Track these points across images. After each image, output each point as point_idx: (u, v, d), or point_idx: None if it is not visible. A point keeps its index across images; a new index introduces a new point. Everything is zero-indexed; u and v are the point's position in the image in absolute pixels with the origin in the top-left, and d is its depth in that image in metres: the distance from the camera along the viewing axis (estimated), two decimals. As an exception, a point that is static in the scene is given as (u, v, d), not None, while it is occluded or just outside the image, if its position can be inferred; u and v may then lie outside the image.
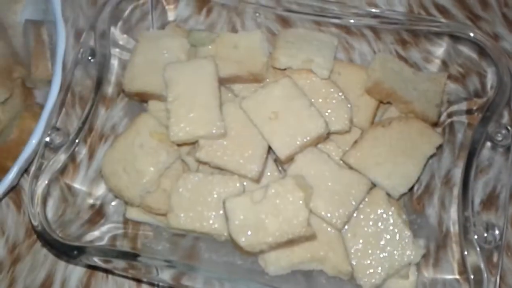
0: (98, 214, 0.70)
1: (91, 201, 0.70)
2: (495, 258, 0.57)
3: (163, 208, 0.66)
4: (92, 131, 0.71)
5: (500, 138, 0.62)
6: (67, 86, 0.67)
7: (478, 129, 0.63)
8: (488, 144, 0.63)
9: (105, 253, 0.61)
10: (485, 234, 0.58)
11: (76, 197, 0.69)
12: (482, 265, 0.57)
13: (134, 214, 0.69)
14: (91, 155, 0.72)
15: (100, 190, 0.71)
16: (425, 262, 0.65)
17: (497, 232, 0.58)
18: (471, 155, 0.62)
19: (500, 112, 0.63)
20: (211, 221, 0.64)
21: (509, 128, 0.62)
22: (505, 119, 0.63)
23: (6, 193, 0.73)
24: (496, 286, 0.56)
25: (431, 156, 0.66)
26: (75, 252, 0.61)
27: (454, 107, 0.71)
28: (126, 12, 0.73)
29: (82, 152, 0.70)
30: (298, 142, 0.64)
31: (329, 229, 0.63)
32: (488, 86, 0.67)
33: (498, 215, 0.60)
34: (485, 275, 0.56)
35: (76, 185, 0.69)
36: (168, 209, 0.65)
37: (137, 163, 0.66)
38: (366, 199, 0.64)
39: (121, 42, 0.74)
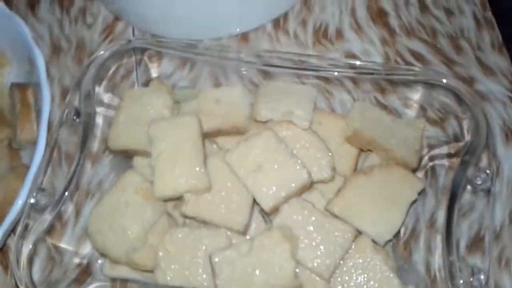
0: (85, 273, 0.70)
1: (77, 260, 0.70)
2: (482, 303, 0.57)
3: (150, 265, 0.66)
4: (79, 189, 0.71)
5: (479, 182, 0.63)
6: (52, 146, 0.67)
7: (458, 173, 0.64)
8: (469, 187, 0.64)
9: (91, 314, 0.61)
10: (471, 279, 0.58)
11: (63, 256, 0.69)
12: None
13: (113, 271, 0.69)
14: (77, 213, 0.72)
15: (87, 248, 0.71)
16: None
17: (482, 276, 0.58)
18: (452, 199, 0.63)
19: (478, 156, 0.64)
20: (198, 277, 0.64)
21: (487, 171, 0.63)
22: (484, 162, 0.64)
23: (-7, 255, 0.73)
24: None
25: (414, 202, 0.66)
26: (62, 314, 0.60)
27: (435, 151, 0.73)
28: (111, 71, 0.75)
29: (68, 211, 0.71)
30: (282, 194, 0.64)
31: (316, 279, 0.63)
32: (465, 130, 0.68)
33: (483, 259, 0.60)
34: (473, 320, 0.56)
35: (63, 245, 0.69)
36: (155, 266, 0.65)
37: (123, 221, 0.66)
38: (352, 247, 0.64)
39: (106, 100, 0.75)
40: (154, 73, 0.79)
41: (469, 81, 0.81)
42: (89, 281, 0.69)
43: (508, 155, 0.76)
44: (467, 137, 0.67)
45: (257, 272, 0.60)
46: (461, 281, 0.58)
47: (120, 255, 0.66)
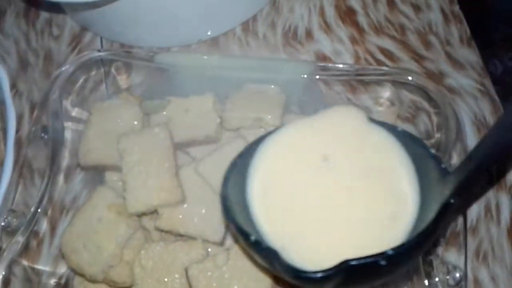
0: (63, 292, 0.69)
1: (55, 279, 0.69)
2: (459, 299, 0.58)
3: (127, 281, 0.65)
4: (52, 206, 0.70)
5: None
6: (21, 165, 0.67)
7: None
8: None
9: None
10: (447, 277, 0.59)
11: (41, 277, 0.68)
12: None
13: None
14: (52, 230, 0.71)
15: (64, 267, 0.70)
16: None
17: (458, 274, 0.58)
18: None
19: (449, 152, 0.64)
20: None
21: None
22: (454, 159, 0.64)
23: (-33, 280, 0.71)
24: None
25: None
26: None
27: None
28: (78, 84, 0.74)
29: (43, 229, 0.70)
30: None
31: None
32: (435, 126, 0.69)
33: (459, 255, 0.60)
34: (451, 318, 0.57)
35: (39, 266, 0.68)
36: (132, 282, 0.64)
37: (97, 238, 0.65)
38: None
39: (74, 114, 0.74)
40: (123, 84, 0.77)
41: (439, 76, 0.81)
42: (67, 300, 0.68)
43: (480, 148, 0.77)
44: (437, 134, 0.68)
45: (234, 283, 0.60)
46: (437, 279, 0.58)
47: (96, 273, 0.64)
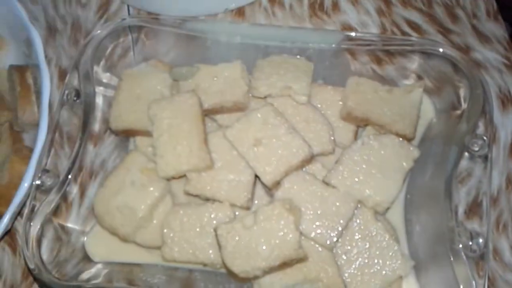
0: (93, 251, 0.71)
1: (85, 239, 0.72)
2: (481, 266, 0.59)
3: (156, 242, 0.68)
4: (82, 169, 0.72)
5: (477, 148, 0.64)
6: (54, 127, 0.68)
7: (455, 141, 0.65)
8: (466, 154, 0.65)
9: (103, 290, 0.62)
10: (470, 243, 0.60)
11: (70, 236, 0.70)
12: (470, 273, 0.58)
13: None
14: (82, 193, 0.73)
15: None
16: (417, 274, 0.67)
17: (481, 240, 0.60)
18: (451, 166, 0.64)
19: (475, 123, 0.65)
20: (205, 251, 0.65)
21: (484, 138, 0.64)
22: (481, 129, 0.65)
23: (1, 238, 0.74)
24: None
25: (411, 169, 0.68)
26: (72, 292, 0.61)
27: (432, 120, 0.74)
28: (108, 51, 0.75)
29: (73, 191, 0.72)
30: (282, 168, 0.65)
31: (320, 249, 0.65)
32: (462, 98, 0.69)
33: (482, 223, 0.62)
34: (474, 283, 0.58)
35: (69, 225, 0.71)
36: (162, 243, 0.66)
37: (130, 200, 0.67)
38: (354, 217, 0.66)
39: (104, 80, 0.75)
40: (151, 51, 0.78)
41: (465, 49, 0.81)
42: (97, 259, 0.71)
43: (504, 121, 0.77)
44: (464, 105, 0.68)
45: (262, 243, 0.62)
46: (461, 245, 0.60)
47: (128, 233, 0.67)
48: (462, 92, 0.69)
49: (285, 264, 0.62)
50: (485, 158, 0.64)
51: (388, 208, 0.67)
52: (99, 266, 0.69)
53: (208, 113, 0.72)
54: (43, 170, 0.66)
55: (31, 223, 0.64)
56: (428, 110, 0.74)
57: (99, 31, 0.72)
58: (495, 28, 0.83)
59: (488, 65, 0.80)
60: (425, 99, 0.73)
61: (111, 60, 0.76)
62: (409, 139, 0.69)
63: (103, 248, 0.71)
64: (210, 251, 0.65)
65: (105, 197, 0.68)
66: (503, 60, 0.81)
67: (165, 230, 0.66)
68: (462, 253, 0.59)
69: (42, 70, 0.71)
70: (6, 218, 0.67)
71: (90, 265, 0.70)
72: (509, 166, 0.75)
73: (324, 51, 0.73)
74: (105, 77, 0.76)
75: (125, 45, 0.77)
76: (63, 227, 0.70)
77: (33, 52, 0.73)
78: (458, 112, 0.69)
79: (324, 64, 0.75)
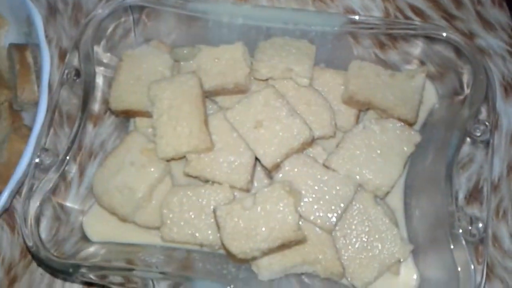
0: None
1: (83, 218, 0.71)
2: (480, 250, 0.59)
3: (155, 223, 0.67)
4: (81, 149, 0.72)
5: (479, 134, 0.64)
6: (53, 107, 0.68)
7: (457, 126, 0.65)
8: (468, 140, 0.64)
9: (100, 269, 0.62)
10: (470, 228, 0.60)
11: (69, 215, 0.70)
12: (469, 258, 0.58)
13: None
14: (81, 172, 0.72)
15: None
16: (416, 258, 0.67)
17: (480, 225, 0.60)
18: (452, 151, 0.63)
19: (478, 108, 0.64)
20: (203, 232, 0.65)
21: (487, 123, 0.63)
22: (483, 115, 0.64)
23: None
24: (483, 276, 0.58)
25: (412, 154, 0.67)
26: (71, 270, 0.61)
27: (434, 105, 0.73)
28: (109, 31, 0.74)
29: (72, 171, 0.71)
30: (282, 150, 0.65)
31: (319, 231, 0.65)
32: (465, 83, 0.69)
33: (482, 208, 0.61)
34: (472, 267, 0.58)
35: (68, 204, 0.70)
36: (161, 224, 0.66)
37: (129, 181, 0.67)
38: (354, 201, 0.66)
39: (105, 60, 0.75)
40: (152, 32, 0.77)
41: (469, 36, 0.80)
42: (95, 239, 0.71)
43: (507, 109, 0.77)
44: (467, 91, 0.68)
45: (261, 225, 0.61)
46: (460, 230, 0.59)
47: (127, 213, 0.67)
48: (465, 78, 0.69)
49: (284, 246, 0.62)
50: (487, 143, 0.63)
51: (388, 192, 0.66)
52: (97, 245, 0.69)
53: (209, 95, 0.71)
54: (42, 149, 0.66)
55: (30, 201, 0.64)
56: (431, 95, 0.73)
57: (100, 11, 0.72)
58: (499, 15, 0.82)
59: (492, 52, 0.80)
60: (427, 84, 0.73)
61: (112, 40, 0.75)
62: (410, 124, 0.69)
63: (101, 228, 0.71)
64: (209, 232, 0.65)
65: (104, 177, 0.68)
66: (507, 47, 0.80)
67: (164, 211, 0.66)
68: (462, 238, 0.59)
69: (42, 49, 0.71)
70: (4, 196, 0.67)
71: (88, 245, 0.69)
72: (510, 153, 0.75)
73: (326, 34, 0.72)
74: (106, 57, 0.75)
75: (126, 26, 0.77)
76: (62, 206, 0.69)
77: (33, 31, 0.73)
78: (461, 98, 0.69)
79: (327, 47, 0.74)
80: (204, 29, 0.74)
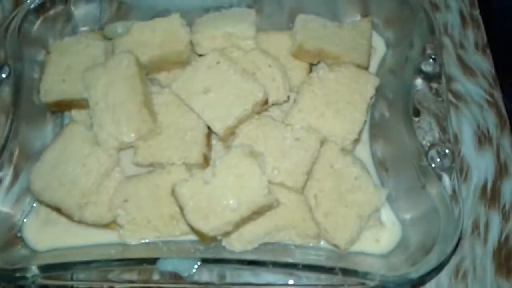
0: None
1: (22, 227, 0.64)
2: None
3: (105, 219, 0.61)
4: (17, 149, 0.65)
5: (430, 68, 0.62)
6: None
7: (408, 65, 0.63)
8: (420, 79, 0.62)
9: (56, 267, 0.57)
10: (438, 159, 0.58)
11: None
12: (442, 189, 0.57)
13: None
14: (15, 174, 0.65)
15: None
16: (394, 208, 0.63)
17: (447, 151, 0.58)
18: (407, 88, 0.62)
19: (423, 45, 0.63)
20: (166, 223, 0.59)
21: (433, 56, 0.62)
22: (429, 51, 0.63)
23: None
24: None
25: (372, 97, 0.65)
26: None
27: (384, 54, 0.71)
28: (36, 24, 0.70)
29: (8, 172, 0.64)
30: (235, 113, 0.60)
31: (288, 193, 0.60)
32: (409, 29, 0.66)
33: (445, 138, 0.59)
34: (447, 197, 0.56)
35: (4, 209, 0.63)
36: (117, 226, 0.60)
37: (71, 173, 0.61)
38: (320, 156, 0.62)
39: (34, 55, 0.70)
40: (81, 20, 0.73)
41: (448, 78, 0.75)
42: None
43: (478, 161, 0.71)
44: (412, 35, 0.65)
45: (228, 196, 0.56)
46: (427, 162, 0.58)
47: (72, 207, 0.60)
48: (409, 24, 0.66)
49: (256, 213, 0.57)
50: (439, 76, 0.62)
51: (356, 140, 0.63)
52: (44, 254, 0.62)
53: (149, 72, 0.66)
54: None
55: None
56: (379, 45, 0.72)
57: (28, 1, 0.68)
58: (482, 62, 0.77)
59: (469, 99, 0.74)
60: (375, 35, 0.71)
61: (41, 33, 0.70)
62: (364, 69, 0.66)
63: (45, 234, 0.63)
64: (170, 221, 0.59)
65: (43, 172, 0.62)
66: (486, 96, 0.75)
67: (117, 207, 0.60)
68: (430, 169, 0.57)
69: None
70: None
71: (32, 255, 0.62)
72: (477, 210, 0.68)
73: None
74: (35, 52, 0.69)
75: (54, 19, 0.71)
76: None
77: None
78: (407, 43, 0.66)
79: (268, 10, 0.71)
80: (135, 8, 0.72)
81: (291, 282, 0.56)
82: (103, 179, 0.62)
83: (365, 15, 0.71)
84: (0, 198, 0.63)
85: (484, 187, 0.69)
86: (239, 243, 0.58)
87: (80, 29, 0.72)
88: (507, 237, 0.66)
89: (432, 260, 0.54)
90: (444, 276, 0.64)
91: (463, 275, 0.65)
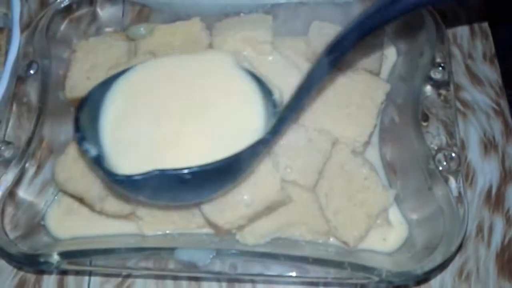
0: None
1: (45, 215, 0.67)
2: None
3: (125, 211, 0.64)
4: (42, 142, 0.68)
5: (438, 76, 0.65)
6: (11, 100, 0.66)
7: (418, 73, 0.66)
8: (429, 86, 0.65)
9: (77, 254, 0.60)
10: (445, 163, 0.60)
11: (31, 211, 0.66)
12: (448, 191, 0.59)
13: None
14: (39, 166, 0.68)
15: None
16: (402, 208, 0.66)
17: (453, 155, 0.61)
18: (416, 95, 0.64)
19: (432, 53, 0.66)
20: (182, 217, 0.62)
21: (443, 64, 0.65)
22: (438, 59, 0.66)
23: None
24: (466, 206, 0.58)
25: (383, 103, 0.68)
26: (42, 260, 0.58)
27: (395, 62, 0.74)
28: (64, 23, 0.73)
29: (33, 164, 0.67)
30: None
31: (300, 191, 0.63)
32: (420, 38, 0.69)
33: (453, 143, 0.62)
34: (452, 198, 0.59)
35: (31, 198, 0.66)
36: (136, 218, 0.63)
37: None
38: (331, 156, 0.64)
39: (61, 54, 0.73)
40: (106, 21, 0.77)
41: (456, 87, 0.77)
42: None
43: (484, 167, 0.72)
44: (422, 44, 0.68)
45: (242, 191, 0.59)
46: (434, 165, 0.60)
47: (94, 199, 0.63)
48: (420, 33, 0.69)
49: (269, 209, 0.60)
50: (447, 84, 0.65)
51: (366, 143, 0.66)
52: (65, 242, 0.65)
53: None
54: (2, 142, 0.63)
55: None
56: (391, 53, 0.74)
57: (57, 2, 0.71)
58: (489, 71, 0.79)
59: (476, 107, 0.76)
60: (387, 44, 0.74)
61: (67, 34, 0.74)
62: (375, 74, 0.70)
63: (67, 223, 0.66)
64: (187, 214, 0.62)
65: (67, 164, 0.65)
66: (493, 104, 0.77)
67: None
68: (437, 172, 0.60)
69: (13, 32, 0.69)
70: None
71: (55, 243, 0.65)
72: (481, 214, 0.69)
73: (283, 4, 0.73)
74: (62, 50, 0.73)
75: (80, 19, 0.75)
76: (24, 201, 0.65)
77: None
78: (418, 51, 0.68)
79: (285, 16, 0.74)
80: (157, 16, 0.75)
81: (301, 274, 0.58)
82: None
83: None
84: (24, 188, 0.66)
85: (489, 192, 0.71)
86: (252, 237, 0.60)
87: (105, 29, 0.76)
88: (510, 241, 0.68)
89: (436, 259, 0.56)
90: (448, 276, 0.66)
91: (466, 275, 0.67)
